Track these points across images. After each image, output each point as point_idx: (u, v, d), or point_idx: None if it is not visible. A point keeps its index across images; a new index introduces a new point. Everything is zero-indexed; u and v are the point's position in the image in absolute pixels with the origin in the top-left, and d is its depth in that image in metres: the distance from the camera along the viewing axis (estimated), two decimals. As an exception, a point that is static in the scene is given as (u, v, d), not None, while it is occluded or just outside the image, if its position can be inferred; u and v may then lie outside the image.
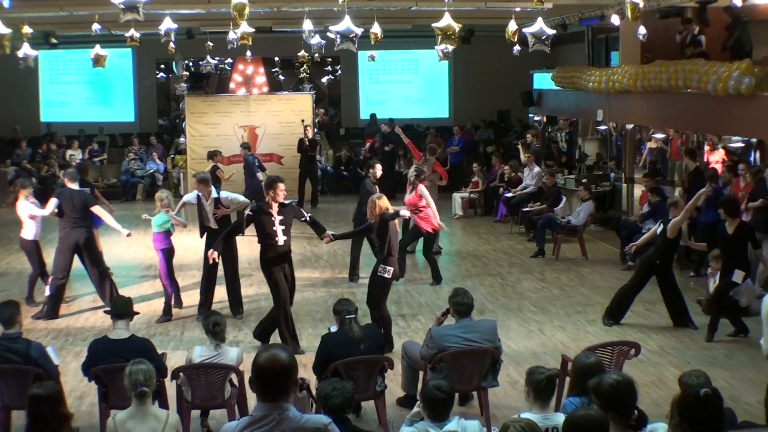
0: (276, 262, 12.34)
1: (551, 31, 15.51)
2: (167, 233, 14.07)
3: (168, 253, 14.15)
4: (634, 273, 14.10)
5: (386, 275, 12.21)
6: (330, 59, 33.16)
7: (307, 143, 25.19)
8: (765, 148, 17.57)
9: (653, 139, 22.44)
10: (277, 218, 12.18)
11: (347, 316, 9.39)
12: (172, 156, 29.39)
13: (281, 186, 12.28)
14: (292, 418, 5.03)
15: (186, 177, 26.86)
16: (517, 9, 17.96)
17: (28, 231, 14.71)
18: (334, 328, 9.80)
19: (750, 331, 12.83)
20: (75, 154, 28.07)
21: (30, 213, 14.66)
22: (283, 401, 5.04)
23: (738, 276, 12.84)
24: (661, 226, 13.46)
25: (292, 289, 12.69)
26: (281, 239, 12.20)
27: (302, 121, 26.26)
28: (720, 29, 18.18)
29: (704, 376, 6.90)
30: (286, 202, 12.55)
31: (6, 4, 13.68)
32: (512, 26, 16.59)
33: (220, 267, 13.99)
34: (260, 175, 21.88)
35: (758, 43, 17.31)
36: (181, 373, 9.18)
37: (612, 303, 13.69)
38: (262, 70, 31.20)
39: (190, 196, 14.34)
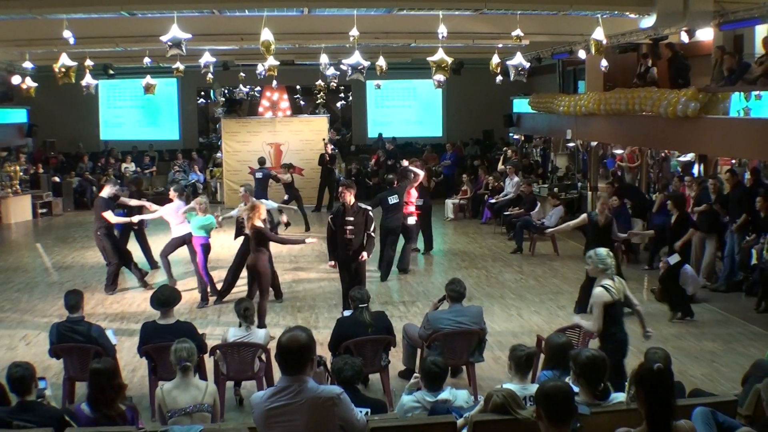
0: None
1: (527, 64, 15.56)
2: (206, 232, 14.08)
3: (206, 247, 14.13)
4: None
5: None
6: (343, 87, 33.12)
7: (327, 158, 25.24)
8: (708, 162, 17.54)
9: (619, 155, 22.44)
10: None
11: (360, 305, 9.37)
12: (211, 168, 29.42)
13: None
14: (310, 388, 5.03)
15: (222, 186, 26.90)
16: (500, 45, 18.02)
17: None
18: (347, 313, 9.79)
19: (695, 315, 12.85)
20: (129, 167, 28.11)
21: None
22: (302, 374, 5.04)
23: (674, 258, 12.84)
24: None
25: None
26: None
27: (323, 139, 26.28)
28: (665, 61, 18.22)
29: (664, 353, 6.91)
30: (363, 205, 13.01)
31: (71, 41, 13.69)
32: (495, 60, 16.63)
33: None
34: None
35: (701, 74, 17.29)
36: (217, 351, 9.17)
37: (579, 296, 13.53)
38: (285, 96, 31.18)
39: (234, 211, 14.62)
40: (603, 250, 8.56)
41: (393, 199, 15.85)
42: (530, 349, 7.12)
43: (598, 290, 8.23)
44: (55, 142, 30.06)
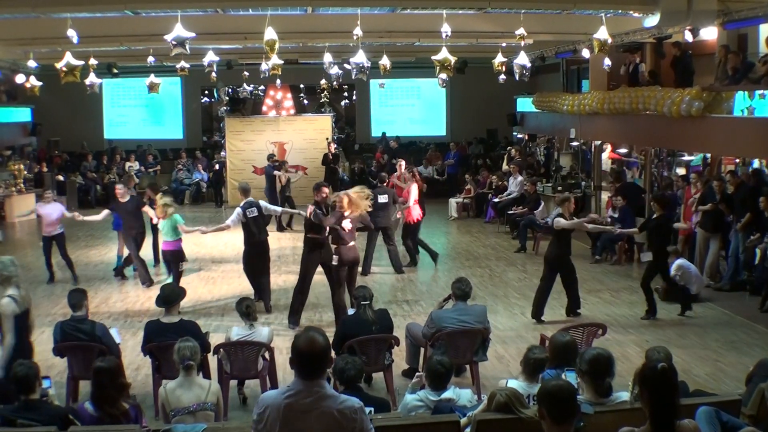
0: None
1: (529, 64, 15.57)
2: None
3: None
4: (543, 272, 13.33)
5: (334, 262, 12.34)
6: (346, 86, 33.06)
7: (331, 157, 25.24)
8: (713, 161, 17.51)
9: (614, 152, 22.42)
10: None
11: (362, 302, 9.38)
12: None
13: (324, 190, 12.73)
14: (332, 397, 4.74)
15: (226, 185, 26.86)
16: (503, 44, 17.98)
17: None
18: (351, 311, 9.79)
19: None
20: (133, 166, 28.13)
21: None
22: (320, 379, 4.75)
23: (645, 256, 12.94)
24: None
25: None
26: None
27: (326, 138, 26.27)
28: (668, 60, 18.18)
29: (665, 351, 6.87)
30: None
31: (75, 40, 13.69)
32: (499, 59, 16.61)
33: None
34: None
35: (705, 73, 17.25)
36: (221, 349, 9.19)
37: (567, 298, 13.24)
38: (289, 95, 31.09)
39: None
40: (7, 258, 8.27)
41: (383, 198, 16.05)
42: (544, 356, 7.05)
43: (5, 300, 7.93)
44: (59, 141, 30.09)
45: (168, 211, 13.72)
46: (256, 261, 13.75)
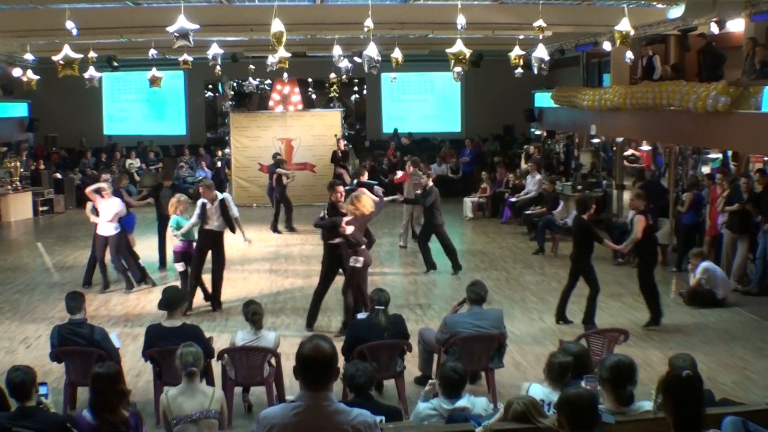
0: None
1: (547, 57, 15.54)
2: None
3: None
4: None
5: (358, 264, 12.08)
6: (356, 80, 33.11)
7: (340, 154, 25.24)
8: (740, 159, 17.44)
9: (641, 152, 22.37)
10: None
11: (377, 306, 9.38)
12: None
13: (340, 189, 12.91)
14: (343, 412, 4.60)
15: (231, 182, 26.92)
16: (521, 36, 17.97)
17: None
18: (362, 316, 9.78)
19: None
20: (133, 163, 28.22)
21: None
22: (326, 390, 4.60)
23: None
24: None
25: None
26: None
27: (335, 135, 26.29)
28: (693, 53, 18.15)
29: (690, 359, 6.84)
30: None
31: (74, 32, 13.73)
32: (516, 51, 16.60)
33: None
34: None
35: (731, 67, 17.20)
36: (225, 355, 9.19)
37: (586, 309, 13.16)
38: (297, 89, 31.22)
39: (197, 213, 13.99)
40: None
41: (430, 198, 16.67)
42: (566, 361, 7.00)
43: None
44: (57, 137, 30.23)
45: (180, 208, 13.88)
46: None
